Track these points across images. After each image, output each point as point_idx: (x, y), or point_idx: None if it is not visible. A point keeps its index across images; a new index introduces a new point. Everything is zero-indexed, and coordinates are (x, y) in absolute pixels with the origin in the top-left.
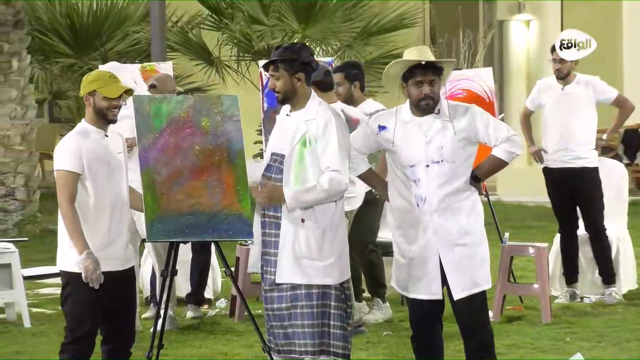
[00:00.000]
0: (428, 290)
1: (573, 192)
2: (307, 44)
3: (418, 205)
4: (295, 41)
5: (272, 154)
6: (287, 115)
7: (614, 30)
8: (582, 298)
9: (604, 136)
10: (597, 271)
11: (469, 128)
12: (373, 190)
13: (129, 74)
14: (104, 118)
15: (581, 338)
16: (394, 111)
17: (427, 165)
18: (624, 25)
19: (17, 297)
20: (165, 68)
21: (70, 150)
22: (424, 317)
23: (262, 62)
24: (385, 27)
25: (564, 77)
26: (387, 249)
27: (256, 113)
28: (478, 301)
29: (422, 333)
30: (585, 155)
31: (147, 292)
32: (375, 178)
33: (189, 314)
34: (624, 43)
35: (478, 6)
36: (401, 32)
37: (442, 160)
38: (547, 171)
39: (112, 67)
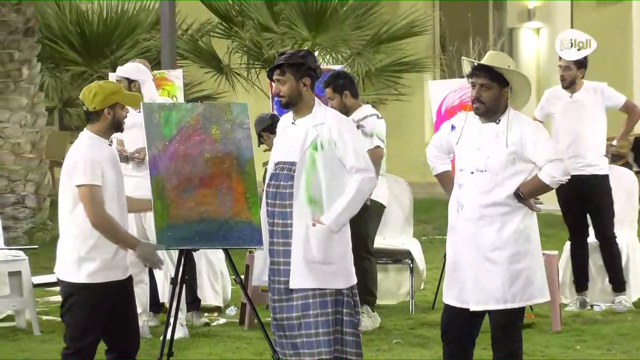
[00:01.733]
0: (455, 297)
1: (583, 199)
2: (317, 51)
3: (458, 211)
4: (305, 48)
5: (278, 163)
6: (293, 123)
7: (624, 37)
8: (592, 306)
9: (614, 142)
10: (607, 279)
11: (519, 143)
12: None
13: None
14: (119, 128)
15: (591, 346)
16: (468, 113)
17: (472, 172)
18: (634, 32)
19: (27, 304)
20: (176, 76)
21: (89, 162)
22: (451, 321)
23: None
24: (395, 35)
25: (567, 85)
26: (395, 256)
27: None
28: (499, 316)
29: (448, 339)
30: (595, 163)
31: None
32: (450, 181)
33: (196, 321)
34: (634, 50)
35: (488, 14)
36: (411, 39)
37: (485, 170)
38: None
39: (138, 68)
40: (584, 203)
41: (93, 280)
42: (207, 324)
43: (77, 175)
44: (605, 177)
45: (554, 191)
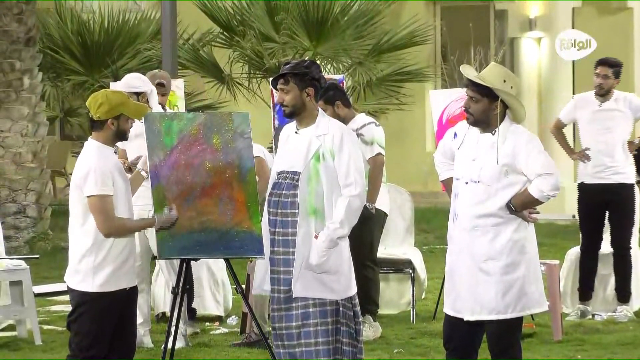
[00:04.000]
0: (451, 306)
1: (606, 207)
2: (319, 61)
3: (453, 220)
4: (309, 59)
5: (281, 172)
6: (296, 132)
7: (625, 46)
8: (593, 315)
9: (636, 141)
10: (608, 288)
11: (511, 155)
12: (368, 205)
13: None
14: (123, 138)
15: (592, 355)
16: None
17: (467, 183)
18: (635, 41)
19: (28, 314)
20: (177, 85)
21: (100, 172)
22: (452, 330)
23: None
24: (397, 45)
25: (604, 93)
26: (396, 265)
27: (267, 130)
28: (494, 327)
29: (451, 348)
30: (622, 171)
31: (158, 309)
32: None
33: (189, 330)
34: (635, 59)
35: (489, 23)
36: (412, 49)
37: (479, 181)
38: (583, 187)
39: (140, 78)
40: (605, 211)
41: (105, 289)
42: (195, 334)
43: (88, 185)
44: (631, 186)
45: (558, 200)
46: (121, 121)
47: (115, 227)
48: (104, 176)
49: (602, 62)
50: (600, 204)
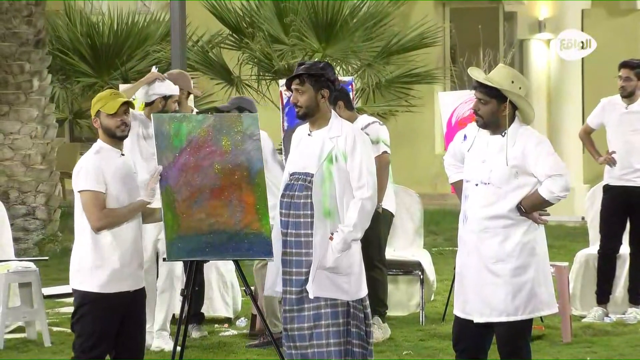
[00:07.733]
0: (461, 308)
1: (630, 210)
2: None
3: (463, 222)
4: (325, 60)
5: (294, 174)
6: (309, 134)
7: (635, 47)
8: (603, 317)
9: None
10: (617, 290)
11: (520, 157)
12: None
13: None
14: (114, 136)
15: (601, 357)
16: None
17: (477, 184)
18: None
19: (37, 316)
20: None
21: (92, 169)
22: (461, 332)
23: (282, 82)
24: (406, 47)
25: (627, 95)
26: (405, 267)
27: (276, 132)
28: (504, 329)
29: (460, 350)
30: None
31: None
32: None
33: (195, 334)
34: None
35: (498, 25)
36: (421, 51)
37: (489, 183)
38: (608, 188)
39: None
40: (628, 214)
41: (106, 290)
42: (204, 337)
43: (79, 181)
44: None
45: (568, 202)
46: (101, 118)
47: (103, 220)
48: (96, 173)
49: (624, 65)
50: (624, 206)
